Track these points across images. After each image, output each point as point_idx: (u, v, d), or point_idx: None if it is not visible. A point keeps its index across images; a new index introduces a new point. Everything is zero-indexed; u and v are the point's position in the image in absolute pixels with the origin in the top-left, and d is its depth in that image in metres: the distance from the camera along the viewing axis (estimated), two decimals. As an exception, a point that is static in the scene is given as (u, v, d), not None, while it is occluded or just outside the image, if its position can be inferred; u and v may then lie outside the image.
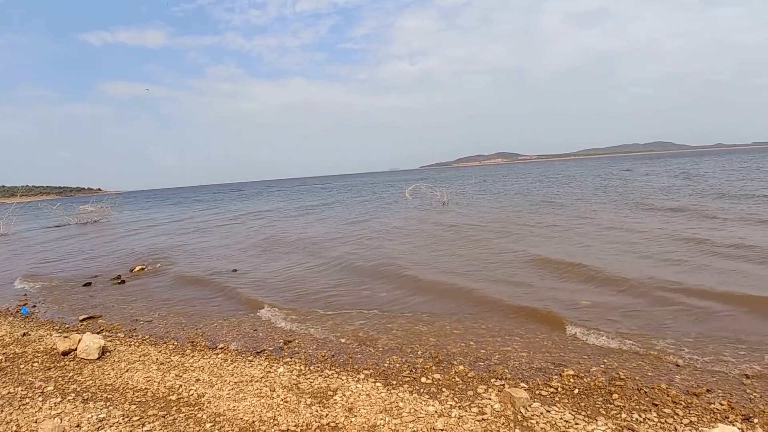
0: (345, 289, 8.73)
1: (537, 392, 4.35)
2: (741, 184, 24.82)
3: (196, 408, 4.40)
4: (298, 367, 5.23)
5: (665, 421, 3.73)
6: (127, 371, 5.38)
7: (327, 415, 4.06)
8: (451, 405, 4.14)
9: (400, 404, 4.16)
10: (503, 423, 3.79)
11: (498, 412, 3.96)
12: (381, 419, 3.91)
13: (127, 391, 4.87)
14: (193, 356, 5.81)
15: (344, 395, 4.41)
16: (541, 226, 14.80)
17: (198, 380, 5.00)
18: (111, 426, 4.09)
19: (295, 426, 3.93)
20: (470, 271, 9.42)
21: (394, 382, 4.71)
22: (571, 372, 4.74)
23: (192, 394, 4.68)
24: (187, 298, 8.99)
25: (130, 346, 6.35)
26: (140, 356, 5.87)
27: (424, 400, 4.25)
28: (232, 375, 5.09)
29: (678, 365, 4.91)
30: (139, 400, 4.65)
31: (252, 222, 23.50)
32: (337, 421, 3.94)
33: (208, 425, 4.04)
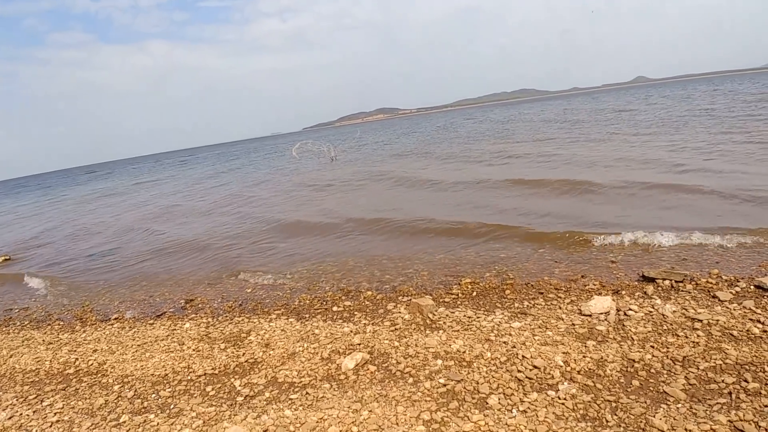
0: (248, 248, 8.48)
1: (441, 300, 4.68)
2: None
3: (99, 375, 4.16)
4: (205, 320, 5.11)
5: (551, 303, 4.22)
6: (11, 357, 4.89)
7: (244, 353, 4.05)
8: (365, 323, 4.33)
9: (316, 331, 4.27)
10: (414, 328, 4.06)
11: (408, 320, 4.22)
12: (300, 347, 3.99)
13: (16, 374, 4.45)
14: (84, 331, 5.40)
15: (258, 334, 4.41)
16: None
17: (96, 350, 4.70)
18: (5, 409, 3.74)
19: (212, 369, 3.88)
20: (375, 209, 9.61)
21: (307, 315, 4.80)
22: (469, 280, 5.15)
23: (92, 364, 4.40)
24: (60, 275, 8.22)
25: (8, 334, 5.74)
26: (23, 341, 5.34)
27: (339, 325, 4.39)
28: (134, 339, 4.84)
29: (556, 261, 5.53)
30: (31, 380, 4.28)
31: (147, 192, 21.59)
32: (256, 357, 3.96)
33: (116, 387, 3.85)
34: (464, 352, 3.49)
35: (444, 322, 4.08)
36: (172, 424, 3.15)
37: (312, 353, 3.85)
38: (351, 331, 4.17)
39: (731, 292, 4.00)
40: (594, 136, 18.81)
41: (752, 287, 4.06)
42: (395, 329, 4.10)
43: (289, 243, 8.28)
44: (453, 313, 4.26)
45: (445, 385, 3.11)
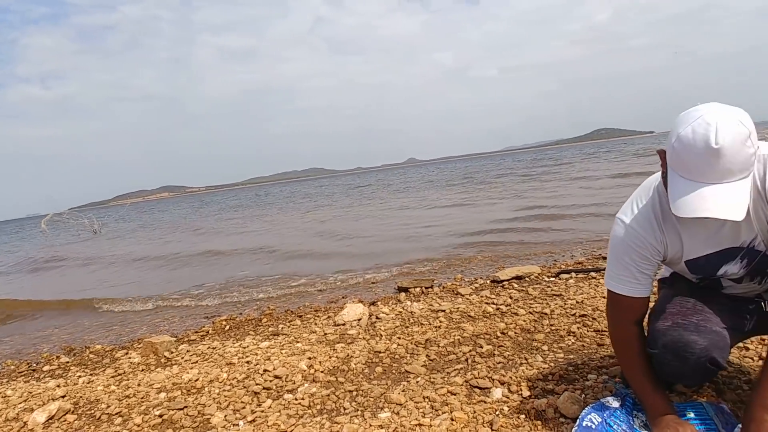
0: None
1: (185, 339, 3.99)
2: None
3: None
4: None
5: (307, 322, 3.90)
6: None
7: None
8: (79, 376, 3.40)
9: (8, 393, 3.17)
10: (143, 369, 3.30)
11: (137, 363, 3.44)
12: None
13: None
14: None
15: None
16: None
17: None
18: None
19: None
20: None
21: (6, 380, 3.62)
22: (224, 318, 4.56)
23: None
24: None
25: None
26: None
27: (44, 382, 3.37)
28: None
29: (320, 290, 5.34)
30: None
31: None
32: None
33: None
34: (197, 380, 2.88)
35: (182, 358, 3.41)
36: None
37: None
38: (57, 386, 3.20)
39: (471, 288, 4.21)
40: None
41: (489, 282, 4.34)
42: (117, 375, 3.28)
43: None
44: (195, 347, 3.61)
45: (161, 416, 2.45)
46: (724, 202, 1.23)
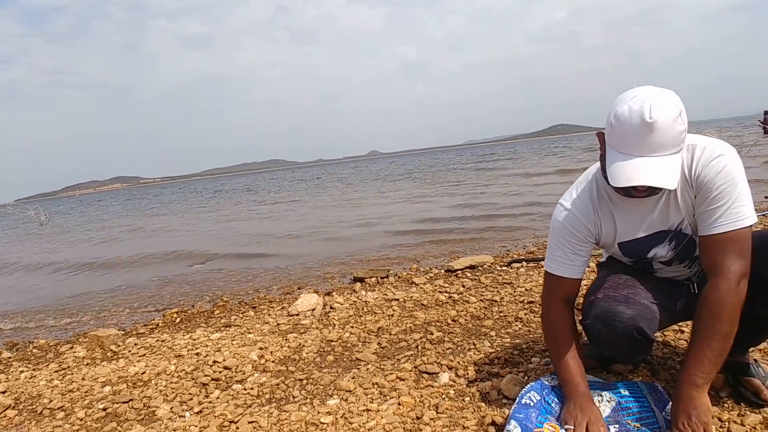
0: None
1: (134, 332, 3.88)
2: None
3: None
4: None
5: (261, 313, 3.86)
6: None
7: None
8: (21, 371, 3.25)
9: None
10: (88, 363, 3.20)
11: (82, 357, 3.32)
12: None
13: None
14: None
15: None
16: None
17: None
18: None
19: None
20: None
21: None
22: (175, 310, 4.45)
23: None
24: None
25: None
26: None
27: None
28: None
29: (275, 282, 5.28)
30: None
31: None
32: None
33: None
34: (144, 373, 2.81)
35: (129, 351, 3.32)
36: None
37: None
38: (-4, 382, 3.07)
39: (426, 278, 4.26)
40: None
41: (443, 271, 4.40)
42: (60, 369, 3.16)
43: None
44: (143, 340, 3.52)
45: (105, 410, 2.38)
46: (657, 172, 1.33)
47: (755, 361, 1.78)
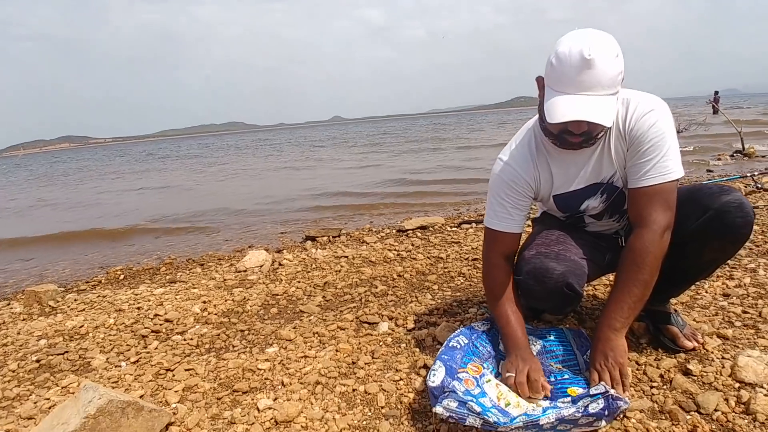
0: None
1: (75, 288, 3.78)
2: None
3: None
4: None
5: (208, 269, 3.81)
6: None
7: None
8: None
9: None
10: (24, 318, 3.09)
11: (18, 313, 3.21)
12: None
13: None
14: None
15: None
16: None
17: None
18: None
19: None
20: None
21: None
22: (120, 267, 4.34)
23: None
24: None
25: None
26: None
27: None
28: None
29: (227, 241, 5.23)
30: None
31: None
32: None
33: None
34: (81, 326, 2.74)
35: (68, 306, 3.22)
36: None
37: None
38: None
39: (377, 237, 4.29)
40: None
41: (395, 231, 4.44)
42: (-4, 324, 3.06)
43: None
44: (84, 296, 3.43)
45: (38, 361, 2.33)
46: (593, 109, 1.35)
47: (675, 311, 1.88)
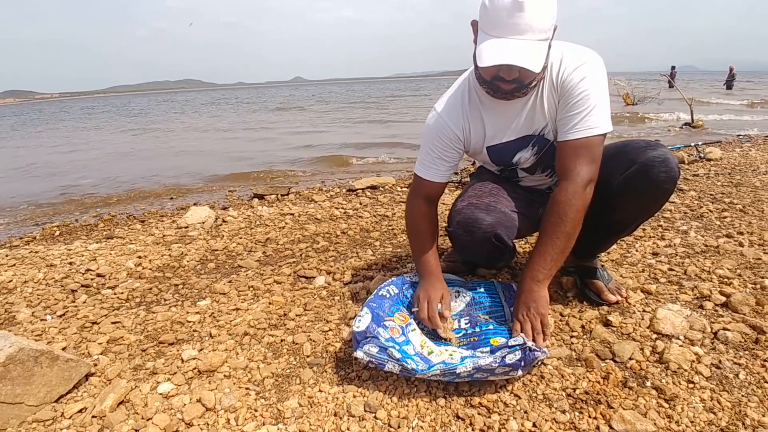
0: None
1: (7, 244, 3.61)
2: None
3: None
4: None
5: (150, 225, 3.71)
6: None
7: None
8: None
9: None
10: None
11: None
12: None
13: None
14: None
15: None
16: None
17: None
18: None
19: None
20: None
21: None
22: (56, 224, 4.16)
23: None
24: None
25: None
26: None
27: None
28: None
29: (171, 199, 5.08)
30: None
31: None
32: None
33: None
34: (9, 281, 2.62)
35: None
36: None
37: None
38: None
39: (326, 196, 4.25)
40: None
41: (345, 191, 4.40)
42: None
43: None
44: (15, 252, 3.27)
45: (-44, 317, 2.22)
46: (522, 53, 1.33)
47: (602, 266, 1.95)
